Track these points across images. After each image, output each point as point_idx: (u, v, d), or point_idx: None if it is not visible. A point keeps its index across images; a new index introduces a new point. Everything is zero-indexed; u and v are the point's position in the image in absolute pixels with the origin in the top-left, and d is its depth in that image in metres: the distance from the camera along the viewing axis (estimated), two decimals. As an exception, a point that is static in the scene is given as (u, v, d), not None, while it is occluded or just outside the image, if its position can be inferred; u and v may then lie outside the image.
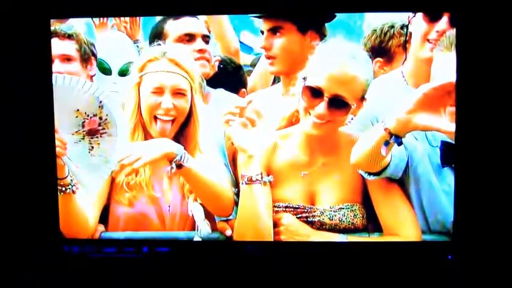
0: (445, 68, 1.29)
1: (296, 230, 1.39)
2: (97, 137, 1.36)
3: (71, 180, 1.34)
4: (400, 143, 1.22)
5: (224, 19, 1.62)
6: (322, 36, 1.52)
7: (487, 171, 1.39)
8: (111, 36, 1.58)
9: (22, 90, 1.44)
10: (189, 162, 1.36)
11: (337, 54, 1.30)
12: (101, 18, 1.55)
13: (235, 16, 1.56)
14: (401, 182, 1.39)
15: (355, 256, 1.41)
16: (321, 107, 1.29)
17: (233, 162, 1.45)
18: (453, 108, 1.23)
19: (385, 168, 1.31)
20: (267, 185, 1.38)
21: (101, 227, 1.43)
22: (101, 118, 1.34)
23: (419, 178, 1.39)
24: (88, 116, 1.34)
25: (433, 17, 1.38)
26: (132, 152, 1.33)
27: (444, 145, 1.37)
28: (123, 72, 1.55)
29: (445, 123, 1.16)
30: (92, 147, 1.36)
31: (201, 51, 1.56)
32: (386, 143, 1.21)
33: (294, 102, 1.40)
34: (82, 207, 1.37)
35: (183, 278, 1.46)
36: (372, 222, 1.40)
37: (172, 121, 1.40)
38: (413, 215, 1.38)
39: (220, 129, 1.41)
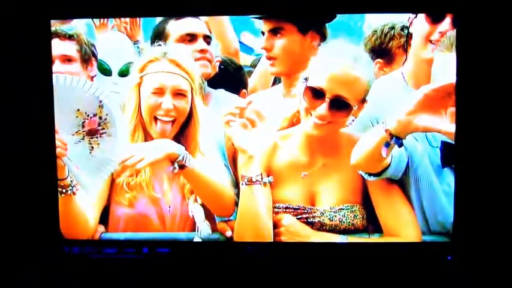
0: (446, 69, 1.27)
1: (296, 231, 1.38)
2: (96, 137, 1.34)
3: (71, 181, 1.32)
4: (400, 144, 1.20)
5: (225, 19, 1.62)
6: (322, 36, 1.52)
7: (487, 172, 1.37)
8: (111, 37, 1.57)
9: (22, 90, 1.42)
10: (190, 163, 1.34)
11: (340, 55, 1.29)
12: (101, 19, 1.54)
13: (236, 17, 1.56)
14: (402, 183, 1.38)
15: (355, 257, 1.39)
16: (323, 107, 1.28)
17: (233, 162, 1.44)
18: (454, 109, 1.21)
19: (386, 169, 1.30)
20: (267, 186, 1.36)
21: (101, 228, 1.41)
22: (100, 118, 1.33)
23: (420, 179, 1.38)
24: (88, 116, 1.32)
25: (435, 18, 1.36)
26: (135, 153, 1.32)
27: (444, 146, 1.36)
28: (123, 73, 1.54)
29: (445, 124, 1.14)
30: (92, 147, 1.35)
31: (202, 51, 1.56)
32: (387, 144, 1.20)
33: (295, 103, 1.39)
34: (82, 208, 1.35)
35: (184, 278, 1.45)
36: (372, 223, 1.39)
37: (173, 122, 1.39)
38: (414, 216, 1.37)
39: (221, 130, 1.39)
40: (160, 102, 1.37)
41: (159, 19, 1.57)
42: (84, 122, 1.33)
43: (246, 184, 1.34)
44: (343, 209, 1.38)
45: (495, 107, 1.35)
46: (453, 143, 1.32)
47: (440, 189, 1.38)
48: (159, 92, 1.38)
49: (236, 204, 1.39)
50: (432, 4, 1.36)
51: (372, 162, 1.28)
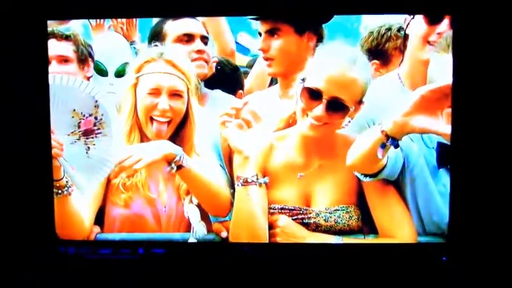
0: (442, 70, 1.26)
1: (292, 232, 1.36)
2: (92, 138, 1.32)
3: (67, 181, 1.31)
4: (396, 146, 1.19)
5: (222, 20, 1.61)
6: (319, 37, 1.51)
7: (482, 172, 1.36)
8: (107, 38, 1.56)
9: (19, 91, 1.40)
10: (187, 163, 1.33)
11: (338, 57, 1.28)
12: (98, 20, 1.53)
13: (233, 18, 1.55)
14: (397, 184, 1.36)
15: (350, 258, 1.38)
16: (319, 108, 1.27)
17: (229, 163, 1.42)
18: (450, 110, 1.20)
19: (381, 169, 1.29)
20: (263, 187, 1.35)
21: (97, 228, 1.40)
22: (96, 118, 1.31)
23: (415, 179, 1.36)
24: (84, 116, 1.30)
25: (434, 19, 1.35)
26: (132, 154, 1.30)
27: (440, 147, 1.35)
28: (119, 73, 1.53)
29: (442, 125, 1.13)
30: (88, 147, 1.32)
31: (199, 51, 1.54)
32: (383, 146, 1.19)
33: (292, 104, 1.37)
34: (77, 208, 1.34)
35: (179, 279, 1.43)
36: (368, 224, 1.38)
37: (168, 122, 1.38)
38: (409, 217, 1.36)
39: (217, 131, 1.37)
40: (157, 103, 1.36)
41: (156, 20, 1.56)
42: (80, 122, 1.31)
43: (241, 185, 1.33)
44: (339, 210, 1.36)
45: (491, 108, 1.34)
46: (449, 144, 1.31)
47: (436, 190, 1.36)
48: (155, 92, 1.36)
49: (232, 204, 1.37)
50: (430, 5, 1.34)
51: (367, 163, 1.27)
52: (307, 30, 1.49)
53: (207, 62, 1.56)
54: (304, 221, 1.37)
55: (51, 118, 1.31)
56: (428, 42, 1.36)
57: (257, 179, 1.33)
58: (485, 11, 1.31)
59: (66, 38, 1.52)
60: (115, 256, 1.41)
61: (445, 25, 1.34)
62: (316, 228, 1.36)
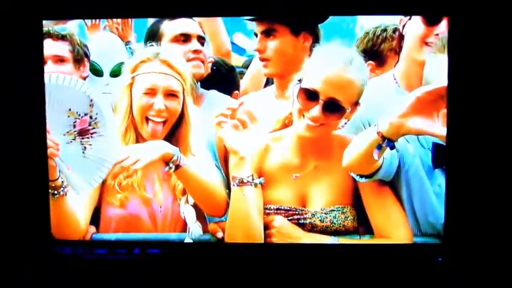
0: (438, 71, 1.25)
1: (288, 232, 1.35)
2: (88, 138, 1.30)
3: (62, 182, 1.29)
4: (392, 147, 1.18)
5: (218, 20, 1.59)
6: (315, 37, 1.49)
7: (478, 173, 1.35)
8: (103, 38, 1.54)
9: (14, 91, 1.38)
10: (184, 162, 1.32)
11: (335, 58, 1.27)
12: (93, 20, 1.51)
13: (228, 18, 1.53)
14: (393, 184, 1.35)
15: (346, 258, 1.36)
16: (316, 109, 1.26)
17: (225, 163, 1.41)
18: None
19: (377, 170, 1.27)
20: (258, 187, 1.33)
21: (92, 229, 1.38)
22: (91, 117, 1.28)
23: (411, 180, 1.35)
24: (79, 115, 1.28)
25: (432, 20, 1.34)
26: (130, 154, 1.29)
27: (435, 147, 1.33)
28: (115, 73, 1.51)
29: (438, 127, 1.12)
30: (85, 147, 1.30)
31: (196, 51, 1.52)
32: (379, 147, 1.17)
33: (288, 104, 1.36)
34: (73, 208, 1.32)
35: (175, 279, 1.42)
36: (363, 225, 1.36)
37: (164, 122, 1.36)
38: (405, 217, 1.34)
39: (212, 131, 1.36)
40: (152, 103, 1.34)
41: (151, 20, 1.54)
42: (75, 122, 1.28)
43: (237, 185, 1.31)
44: (334, 211, 1.35)
45: (487, 108, 1.33)
46: (444, 144, 1.29)
47: (431, 191, 1.35)
48: (151, 92, 1.34)
49: (228, 204, 1.35)
50: (427, 7, 1.33)
51: (363, 164, 1.25)
52: (303, 30, 1.48)
53: (203, 62, 1.55)
54: (299, 221, 1.35)
55: (46, 118, 1.28)
56: (426, 43, 1.35)
57: (252, 179, 1.32)
58: (481, 12, 1.30)
59: (62, 38, 1.49)
60: (111, 256, 1.39)
61: (443, 26, 1.32)
62: (312, 228, 1.35)
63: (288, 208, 1.36)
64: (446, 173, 1.33)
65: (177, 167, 1.31)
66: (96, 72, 1.53)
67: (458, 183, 1.33)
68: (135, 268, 1.41)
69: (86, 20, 1.52)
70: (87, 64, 1.54)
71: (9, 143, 1.39)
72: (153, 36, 1.51)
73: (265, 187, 1.35)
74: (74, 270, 1.41)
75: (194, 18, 1.53)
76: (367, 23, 1.60)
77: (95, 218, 1.38)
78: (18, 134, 1.38)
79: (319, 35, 1.49)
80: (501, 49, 1.31)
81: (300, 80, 1.31)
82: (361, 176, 1.30)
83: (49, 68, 1.44)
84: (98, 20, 1.53)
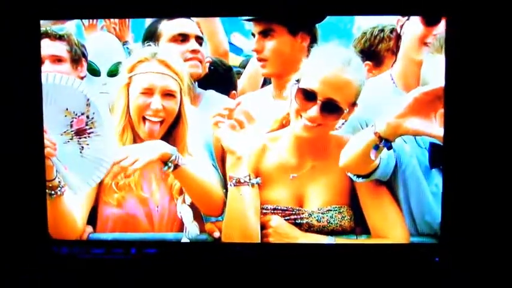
0: (435, 71, 1.23)
1: (284, 232, 1.33)
2: (85, 137, 1.28)
3: (59, 181, 1.27)
4: (389, 147, 1.16)
5: (216, 20, 1.58)
6: (313, 37, 1.48)
7: (475, 173, 1.33)
8: (100, 38, 1.52)
9: (11, 90, 1.36)
10: (182, 162, 1.30)
11: (333, 58, 1.25)
12: (91, 20, 1.50)
13: (226, 18, 1.52)
14: (390, 184, 1.33)
15: (343, 258, 1.35)
16: (314, 110, 1.24)
17: (222, 163, 1.39)
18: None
19: (374, 170, 1.26)
20: (255, 187, 1.32)
21: (89, 228, 1.36)
22: (88, 117, 1.26)
23: (408, 180, 1.33)
24: (76, 115, 1.26)
25: (431, 21, 1.32)
26: (129, 154, 1.27)
27: (432, 147, 1.32)
28: (112, 73, 1.49)
29: (435, 128, 1.11)
30: (82, 147, 1.28)
31: (194, 51, 1.51)
32: (376, 147, 1.16)
33: (286, 105, 1.34)
34: (70, 208, 1.30)
35: (172, 279, 1.40)
36: (360, 225, 1.35)
37: (161, 122, 1.34)
38: (401, 217, 1.33)
39: (210, 131, 1.34)
40: (149, 103, 1.32)
41: (149, 20, 1.53)
42: (72, 121, 1.26)
43: (234, 185, 1.30)
44: (331, 210, 1.33)
45: (484, 108, 1.31)
46: (441, 144, 1.27)
47: (428, 190, 1.33)
48: (148, 92, 1.33)
49: (225, 204, 1.34)
50: (425, 7, 1.32)
51: (360, 164, 1.24)
52: (301, 30, 1.47)
53: (201, 62, 1.53)
54: (296, 221, 1.34)
55: (43, 117, 1.27)
56: (425, 44, 1.34)
57: (249, 179, 1.30)
58: (478, 13, 1.28)
59: (60, 37, 1.48)
60: (108, 256, 1.37)
61: (442, 26, 1.31)
62: (309, 228, 1.33)
63: (285, 208, 1.34)
64: (443, 172, 1.32)
65: (176, 166, 1.29)
66: (94, 72, 1.51)
67: (455, 183, 1.32)
68: (132, 268, 1.39)
69: (83, 20, 1.51)
70: (85, 64, 1.52)
71: (6, 143, 1.37)
72: (151, 36, 1.50)
73: (262, 187, 1.34)
74: (71, 270, 1.39)
75: (192, 18, 1.51)
76: (364, 23, 1.59)
77: (92, 218, 1.37)
78: (15, 133, 1.36)
79: (317, 35, 1.48)
80: (499, 49, 1.30)
81: (297, 80, 1.29)
82: (358, 176, 1.29)
83: (46, 68, 1.42)
84: (95, 20, 1.52)
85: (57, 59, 1.48)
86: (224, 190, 1.35)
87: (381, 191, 1.33)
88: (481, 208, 1.34)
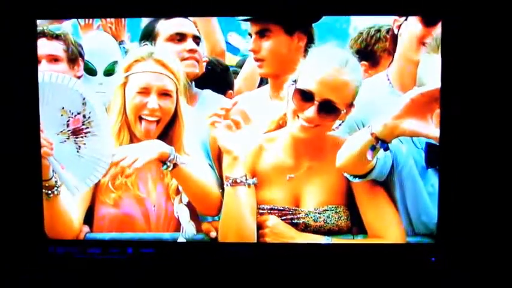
0: (432, 70, 1.22)
1: (281, 232, 1.31)
2: (82, 137, 1.25)
3: (56, 181, 1.25)
4: (386, 148, 1.15)
5: (212, 20, 1.57)
6: (310, 37, 1.46)
7: (471, 173, 1.32)
8: (96, 37, 1.51)
9: (8, 90, 1.34)
10: (181, 161, 1.29)
11: (330, 59, 1.24)
12: (87, 19, 1.48)
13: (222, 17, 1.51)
14: (386, 184, 1.32)
15: (339, 258, 1.34)
16: (311, 110, 1.23)
17: (219, 163, 1.37)
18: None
19: (371, 171, 1.24)
20: (252, 187, 1.30)
21: (86, 228, 1.34)
22: (84, 116, 1.24)
23: (404, 180, 1.32)
24: (72, 114, 1.24)
25: (431, 21, 1.31)
26: (127, 154, 1.25)
27: (428, 147, 1.30)
28: (108, 72, 1.48)
29: (432, 129, 1.10)
30: (79, 146, 1.26)
31: (191, 51, 1.49)
32: (373, 148, 1.14)
33: (282, 105, 1.33)
34: (66, 208, 1.28)
35: (168, 279, 1.39)
36: (357, 225, 1.33)
37: (157, 122, 1.32)
38: (398, 217, 1.31)
39: (206, 131, 1.33)
40: (146, 102, 1.30)
41: (145, 20, 1.51)
42: (68, 121, 1.24)
43: (230, 185, 1.28)
44: (328, 210, 1.32)
45: (480, 108, 1.30)
46: (437, 144, 1.26)
47: (425, 190, 1.32)
48: (145, 91, 1.31)
49: (222, 203, 1.32)
50: (422, 7, 1.31)
51: (357, 164, 1.22)
52: (297, 30, 1.45)
53: (198, 61, 1.52)
54: (293, 221, 1.32)
55: (40, 117, 1.24)
56: (423, 44, 1.32)
57: (246, 179, 1.29)
58: (475, 13, 1.27)
59: (57, 37, 1.46)
60: (104, 256, 1.35)
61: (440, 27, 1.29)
62: (306, 228, 1.32)
63: (282, 208, 1.33)
64: (440, 172, 1.30)
65: (174, 165, 1.28)
66: (90, 71, 1.49)
67: (452, 183, 1.30)
68: (129, 268, 1.38)
69: (79, 20, 1.50)
70: (82, 64, 1.50)
71: (2, 142, 1.35)
72: (148, 35, 1.48)
73: (259, 187, 1.32)
74: (67, 270, 1.37)
75: (189, 17, 1.49)
76: (360, 23, 1.58)
77: (89, 218, 1.35)
78: (11, 133, 1.34)
79: (314, 34, 1.46)
80: (495, 50, 1.29)
81: (295, 81, 1.28)
82: (355, 176, 1.27)
83: (43, 68, 1.41)
84: (91, 20, 1.51)
85: (54, 59, 1.46)
86: (221, 190, 1.33)
87: (377, 191, 1.31)
88: (477, 208, 1.33)
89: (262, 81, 1.59)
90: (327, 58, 1.25)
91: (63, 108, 1.23)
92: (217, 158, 1.38)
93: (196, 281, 1.38)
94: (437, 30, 1.29)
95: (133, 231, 1.35)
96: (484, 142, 1.31)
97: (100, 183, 1.33)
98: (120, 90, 1.33)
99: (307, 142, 1.30)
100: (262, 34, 1.46)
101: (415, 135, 1.17)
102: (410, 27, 1.35)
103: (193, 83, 1.52)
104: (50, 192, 1.25)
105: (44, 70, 1.36)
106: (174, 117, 1.35)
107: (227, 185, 1.29)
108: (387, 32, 1.53)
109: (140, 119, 1.32)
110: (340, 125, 1.31)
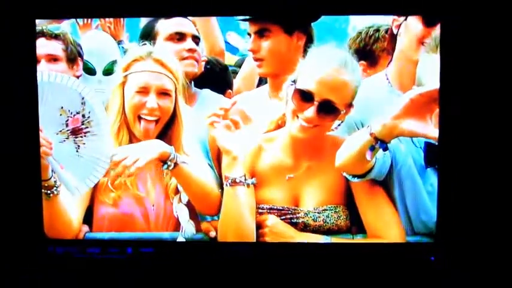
0: (431, 70, 1.20)
1: (280, 232, 1.30)
2: (81, 137, 1.24)
3: (55, 181, 1.23)
4: (385, 148, 1.14)
5: (212, 19, 1.56)
6: (309, 36, 1.45)
7: (470, 172, 1.30)
8: (95, 37, 1.50)
9: (7, 90, 1.32)
10: (181, 160, 1.27)
11: (330, 59, 1.22)
12: (85, 19, 1.47)
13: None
14: (385, 184, 1.31)
15: (338, 257, 1.32)
16: (310, 111, 1.22)
17: (218, 163, 1.36)
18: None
19: (370, 170, 1.23)
20: (251, 187, 1.29)
21: (85, 228, 1.33)
22: (83, 116, 1.22)
23: (403, 179, 1.31)
24: (71, 113, 1.22)
25: (431, 21, 1.28)
26: (128, 154, 1.23)
27: (427, 146, 1.29)
28: (107, 71, 1.46)
29: (431, 129, 1.09)
30: (78, 146, 1.24)
31: (190, 50, 1.48)
32: (372, 148, 1.13)
33: (282, 105, 1.32)
34: (66, 208, 1.26)
35: (168, 278, 1.37)
36: (356, 224, 1.32)
37: (156, 121, 1.31)
38: (397, 217, 1.30)
39: (205, 130, 1.31)
40: (145, 102, 1.29)
41: (144, 19, 1.50)
42: (67, 120, 1.22)
43: (229, 185, 1.27)
44: (327, 210, 1.30)
45: (479, 107, 1.28)
46: (436, 144, 1.25)
47: (424, 190, 1.31)
48: (144, 91, 1.29)
49: (221, 203, 1.30)
50: (421, 8, 1.29)
51: (356, 164, 1.21)
52: (296, 30, 1.44)
53: (197, 61, 1.50)
54: (292, 220, 1.31)
55: (39, 116, 1.23)
56: (423, 44, 1.30)
57: (245, 179, 1.27)
58: (473, 13, 1.25)
59: (56, 37, 1.45)
60: (104, 255, 1.34)
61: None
62: (305, 228, 1.31)
63: (281, 208, 1.31)
64: (439, 171, 1.29)
65: (174, 165, 1.26)
66: (89, 70, 1.48)
67: (451, 182, 1.29)
68: (128, 267, 1.36)
69: (77, 19, 1.49)
70: (81, 63, 1.49)
71: (1, 142, 1.33)
72: (148, 34, 1.47)
73: (258, 187, 1.31)
74: (66, 269, 1.36)
75: (188, 17, 1.48)
76: (359, 23, 1.56)
77: (88, 217, 1.33)
78: (10, 132, 1.32)
79: (313, 34, 1.45)
80: (494, 50, 1.27)
81: (294, 81, 1.27)
82: (354, 176, 1.26)
83: (42, 67, 1.39)
84: (90, 19, 1.49)
85: (53, 58, 1.45)
86: (220, 190, 1.32)
87: (376, 191, 1.30)
88: (476, 207, 1.31)
89: (261, 81, 1.58)
90: (327, 58, 1.24)
91: (62, 107, 1.22)
92: (216, 158, 1.37)
93: (195, 281, 1.36)
94: (437, 30, 1.27)
95: (132, 230, 1.33)
96: (484, 141, 1.30)
97: (99, 183, 1.31)
98: (119, 90, 1.32)
99: (307, 142, 1.29)
100: (261, 34, 1.45)
101: (414, 136, 1.16)
102: (410, 26, 1.33)
103: (193, 82, 1.51)
104: (49, 192, 1.23)
105: (43, 70, 1.34)
106: (173, 117, 1.34)
107: (226, 185, 1.27)
108: (386, 31, 1.52)
109: (139, 118, 1.31)
110: (339, 125, 1.29)
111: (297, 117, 1.25)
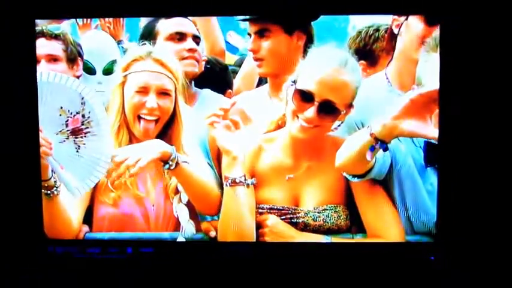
0: (430, 69, 1.20)
1: (280, 232, 1.29)
2: (81, 137, 1.23)
3: (55, 181, 1.22)
4: (385, 149, 1.14)
5: (212, 19, 1.55)
6: (309, 35, 1.44)
7: (470, 171, 1.30)
8: (95, 37, 1.48)
9: (6, 90, 1.31)
10: (182, 160, 1.27)
11: (330, 59, 1.22)
12: (85, 19, 1.46)
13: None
14: (385, 183, 1.30)
15: (338, 257, 1.32)
16: (311, 111, 1.21)
17: (218, 163, 1.35)
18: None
19: (370, 170, 1.23)
20: (251, 187, 1.28)
21: (85, 228, 1.32)
22: (83, 116, 1.22)
23: (403, 179, 1.30)
24: (71, 114, 1.21)
25: (433, 20, 1.27)
26: (129, 154, 1.23)
27: (427, 146, 1.28)
28: (107, 71, 1.45)
29: (431, 129, 1.08)
30: (79, 146, 1.23)
31: (191, 50, 1.47)
32: (372, 148, 1.13)
33: (282, 106, 1.31)
34: (66, 208, 1.26)
35: (168, 278, 1.37)
36: (356, 224, 1.32)
37: (156, 121, 1.30)
38: (397, 216, 1.29)
39: (205, 130, 1.31)
40: (145, 101, 1.28)
41: (144, 19, 1.49)
42: (67, 120, 1.21)
43: (229, 185, 1.26)
44: (327, 210, 1.30)
45: (479, 107, 1.28)
46: (436, 143, 1.24)
47: (424, 189, 1.30)
48: (144, 91, 1.29)
49: (221, 203, 1.30)
50: (422, 7, 1.28)
51: (356, 164, 1.21)
52: (296, 29, 1.43)
53: (198, 61, 1.49)
54: (292, 220, 1.30)
55: (39, 116, 1.22)
56: (423, 43, 1.29)
57: (245, 179, 1.27)
58: (473, 13, 1.25)
59: (56, 37, 1.44)
60: (104, 255, 1.33)
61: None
62: (305, 227, 1.30)
63: (281, 207, 1.31)
64: (439, 171, 1.29)
65: (176, 165, 1.25)
66: (89, 70, 1.47)
67: (451, 182, 1.28)
68: (128, 267, 1.36)
69: (77, 19, 1.48)
70: (81, 63, 1.48)
71: (1, 142, 1.33)
72: (148, 34, 1.46)
73: (258, 187, 1.30)
74: (66, 269, 1.35)
75: (188, 17, 1.47)
76: (359, 23, 1.55)
77: (88, 217, 1.32)
78: (10, 132, 1.32)
79: (313, 34, 1.44)
80: (494, 50, 1.27)
81: (294, 82, 1.26)
82: (354, 176, 1.25)
83: (42, 68, 1.38)
84: (89, 19, 1.48)
85: (53, 58, 1.43)
86: (220, 189, 1.31)
87: (376, 190, 1.29)
88: (476, 207, 1.31)
89: (261, 81, 1.57)
90: (327, 58, 1.23)
91: (61, 107, 1.21)
92: (216, 158, 1.36)
93: (195, 281, 1.36)
94: (437, 29, 1.27)
95: (132, 230, 1.33)
96: (483, 141, 1.29)
97: (99, 183, 1.30)
98: (119, 90, 1.31)
99: (307, 142, 1.28)
100: (261, 34, 1.44)
101: (414, 136, 1.16)
102: (411, 26, 1.32)
103: (193, 82, 1.50)
104: (49, 192, 1.23)
105: (44, 70, 1.33)
106: (173, 117, 1.33)
107: (226, 185, 1.27)
108: (386, 31, 1.50)
109: (139, 118, 1.30)
110: (339, 125, 1.28)
111: (297, 117, 1.24)
